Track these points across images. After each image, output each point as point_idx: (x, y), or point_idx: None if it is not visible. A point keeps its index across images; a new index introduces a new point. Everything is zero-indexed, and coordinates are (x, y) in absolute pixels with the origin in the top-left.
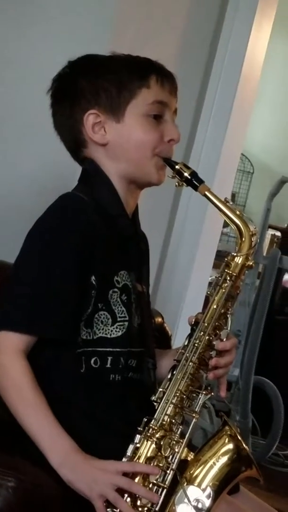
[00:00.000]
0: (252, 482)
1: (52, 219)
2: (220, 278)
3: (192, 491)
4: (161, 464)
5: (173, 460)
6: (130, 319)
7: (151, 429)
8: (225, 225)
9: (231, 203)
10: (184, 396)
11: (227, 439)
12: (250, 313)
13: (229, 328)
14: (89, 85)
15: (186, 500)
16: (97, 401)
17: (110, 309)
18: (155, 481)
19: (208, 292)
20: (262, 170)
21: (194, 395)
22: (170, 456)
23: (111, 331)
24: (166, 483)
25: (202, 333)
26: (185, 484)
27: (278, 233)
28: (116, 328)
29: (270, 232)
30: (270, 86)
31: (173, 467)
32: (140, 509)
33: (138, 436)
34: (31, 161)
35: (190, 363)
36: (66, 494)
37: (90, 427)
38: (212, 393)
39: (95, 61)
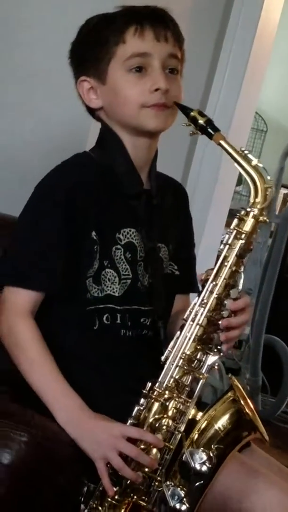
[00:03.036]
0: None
1: (46, 177)
2: (230, 235)
3: (196, 454)
4: (167, 426)
5: (180, 421)
6: (135, 277)
7: (156, 392)
8: (238, 183)
9: (247, 152)
10: (192, 357)
11: (231, 403)
12: (262, 271)
13: (240, 287)
14: (78, 52)
15: (190, 462)
16: (109, 357)
17: (114, 266)
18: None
19: (219, 250)
20: (276, 129)
21: (204, 355)
22: (177, 417)
23: (117, 288)
24: (173, 445)
25: (210, 292)
26: (189, 448)
27: None
28: (121, 286)
29: (283, 191)
30: (284, 44)
31: (180, 429)
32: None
33: (142, 399)
34: (47, 121)
35: (198, 324)
36: (79, 449)
37: (101, 384)
38: (221, 353)
39: (84, 26)
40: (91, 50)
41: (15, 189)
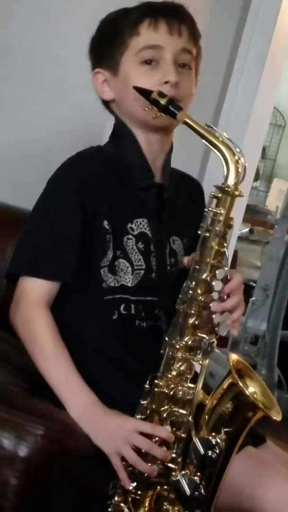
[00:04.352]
0: (276, 435)
1: (59, 168)
2: (208, 216)
3: (205, 441)
4: (175, 415)
5: (188, 408)
6: (148, 268)
7: (157, 385)
8: (255, 179)
9: (214, 128)
10: (189, 344)
11: (231, 387)
12: (279, 267)
13: (227, 267)
14: (95, 45)
15: (200, 450)
16: (124, 348)
17: (127, 256)
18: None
19: (199, 232)
20: None
21: (203, 339)
22: (184, 405)
23: (130, 279)
24: (184, 434)
25: (195, 276)
26: (199, 434)
27: None
28: (134, 276)
29: None
30: None
31: (189, 416)
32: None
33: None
34: (62, 116)
35: (188, 311)
36: (94, 444)
37: (115, 375)
38: (216, 335)
39: (104, 20)
40: (106, 42)
41: (31, 184)
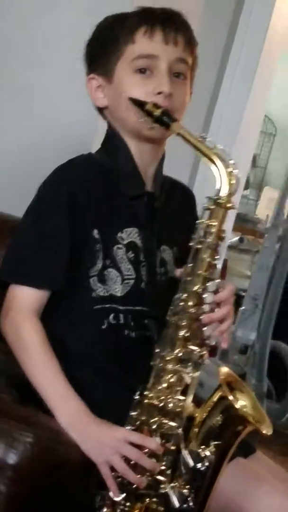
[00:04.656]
0: (267, 445)
1: (49, 176)
2: (200, 228)
3: (194, 453)
4: (165, 427)
5: (177, 421)
6: (138, 278)
7: (147, 397)
8: (245, 187)
9: (208, 138)
10: (180, 356)
11: (221, 400)
12: (269, 277)
13: (218, 280)
14: (90, 50)
15: (188, 462)
16: (113, 357)
17: (116, 266)
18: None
19: (191, 244)
20: (285, 132)
21: (193, 351)
22: (174, 417)
23: (119, 288)
24: (173, 446)
25: (185, 291)
26: (188, 447)
27: None
28: (123, 286)
29: None
30: None
31: (178, 429)
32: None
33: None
34: (53, 124)
35: (180, 323)
36: (83, 452)
37: (104, 384)
38: (207, 347)
39: (99, 24)
40: (102, 48)
41: (21, 191)
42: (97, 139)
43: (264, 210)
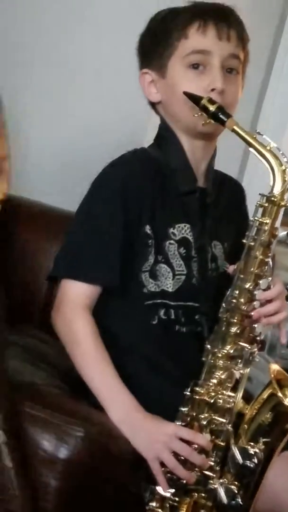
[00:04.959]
0: None
1: (102, 171)
2: (253, 225)
3: (244, 450)
4: (215, 423)
5: (227, 417)
6: (189, 273)
7: (198, 393)
8: None
9: (262, 135)
10: (231, 352)
11: (271, 397)
12: None
13: (270, 277)
14: (143, 44)
15: (238, 459)
16: (164, 353)
17: (168, 262)
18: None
19: (244, 241)
20: None
21: (244, 348)
22: (224, 414)
23: (171, 284)
24: (223, 442)
25: (238, 286)
26: (238, 444)
27: None
28: (175, 281)
29: None
30: None
31: (228, 425)
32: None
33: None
34: (104, 114)
35: (231, 320)
36: (133, 448)
37: (155, 379)
38: (258, 345)
39: (153, 19)
40: (155, 43)
41: (75, 186)
42: (149, 134)
43: None
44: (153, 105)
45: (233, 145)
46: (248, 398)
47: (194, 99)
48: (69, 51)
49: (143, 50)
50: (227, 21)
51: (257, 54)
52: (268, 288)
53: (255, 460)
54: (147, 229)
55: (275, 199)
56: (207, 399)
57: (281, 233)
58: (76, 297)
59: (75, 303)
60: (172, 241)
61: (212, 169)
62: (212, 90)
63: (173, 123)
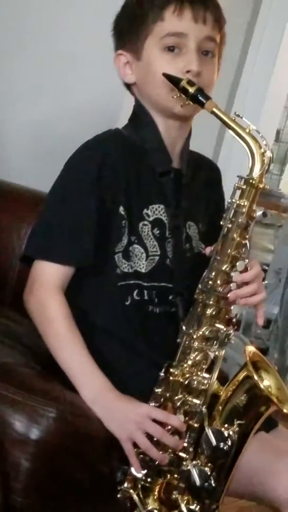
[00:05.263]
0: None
1: (76, 151)
2: (231, 207)
3: (218, 432)
4: (189, 404)
5: (202, 398)
6: (163, 254)
7: (172, 374)
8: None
9: (241, 117)
10: (206, 334)
11: (246, 379)
12: None
13: (247, 259)
14: (118, 26)
15: (211, 441)
16: (138, 333)
17: (142, 242)
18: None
19: (221, 223)
20: None
21: (220, 330)
22: (198, 395)
23: (144, 265)
24: (197, 424)
25: (215, 267)
26: (212, 425)
27: None
28: (148, 262)
29: None
30: None
31: (202, 406)
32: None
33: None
34: (79, 96)
35: (207, 301)
36: (106, 428)
37: (128, 360)
38: (234, 327)
39: (126, 1)
40: (130, 25)
41: (47, 166)
42: (123, 115)
43: None
44: (128, 86)
45: (208, 127)
46: (222, 378)
47: (173, 80)
48: (43, 33)
49: (118, 32)
50: (203, 3)
51: (235, 32)
52: (245, 270)
53: (229, 442)
54: (121, 210)
55: (254, 182)
56: (181, 380)
57: (257, 213)
58: (48, 278)
59: (47, 284)
60: (146, 222)
61: (187, 150)
62: (188, 72)
63: (148, 104)
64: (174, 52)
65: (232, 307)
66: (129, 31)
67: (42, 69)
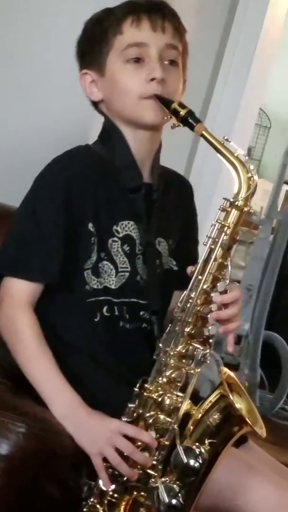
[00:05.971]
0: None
1: (46, 167)
2: (214, 228)
3: (189, 450)
4: (161, 422)
5: (174, 417)
6: (133, 270)
7: (147, 389)
8: None
9: (230, 142)
10: (183, 353)
11: (221, 398)
12: (263, 268)
13: (228, 280)
14: (81, 46)
15: (182, 458)
16: (108, 349)
17: (111, 259)
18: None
19: (204, 243)
20: (279, 125)
21: (196, 349)
22: (171, 413)
23: (114, 281)
24: (168, 441)
25: (196, 287)
26: (183, 443)
27: None
28: (118, 278)
29: (286, 188)
30: None
31: (174, 425)
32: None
33: (135, 397)
34: (50, 115)
35: (186, 320)
36: (76, 444)
37: (99, 376)
38: (210, 347)
39: (88, 21)
40: (92, 43)
41: (17, 180)
42: (94, 131)
43: (259, 202)
44: (95, 105)
45: (180, 143)
46: (193, 394)
47: (165, 102)
48: (15, 47)
49: (81, 52)
50: (160, 13)
51: (206, 49)
52: (225, 292)
53: (200, 460)
54: (90, 226)
55: (239, 204)
56: (155, 397)
57: None
58: (17, 294)
59: (16, 300)
60: (115, 238)
61: (158, 164)
62: (152, 80)
63: (117, 118)
64: (138, 63)
65: (210, 327)
66: (91, 49)
67: (10, 84)
